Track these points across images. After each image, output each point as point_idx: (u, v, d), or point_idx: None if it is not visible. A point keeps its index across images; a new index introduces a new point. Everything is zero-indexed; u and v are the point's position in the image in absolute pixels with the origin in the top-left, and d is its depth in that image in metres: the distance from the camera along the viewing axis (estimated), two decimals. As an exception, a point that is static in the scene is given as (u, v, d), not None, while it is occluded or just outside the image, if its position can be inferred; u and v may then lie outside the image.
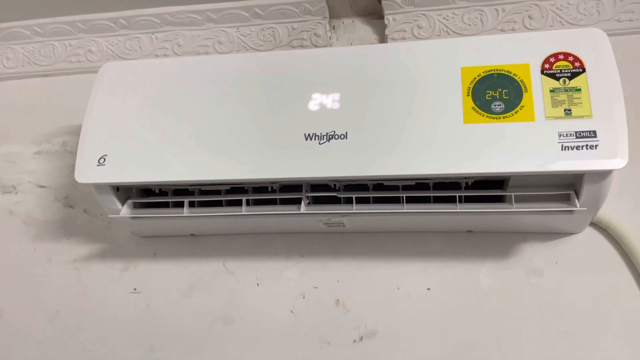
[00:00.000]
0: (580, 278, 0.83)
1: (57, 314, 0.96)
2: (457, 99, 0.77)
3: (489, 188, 0.81)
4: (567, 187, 0.78)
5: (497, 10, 1.00)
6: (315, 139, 0.79)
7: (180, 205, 0.87)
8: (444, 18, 1.02)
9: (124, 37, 1.14)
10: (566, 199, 0.77)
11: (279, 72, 0.84)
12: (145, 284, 0.96)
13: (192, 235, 0.98)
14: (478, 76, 0.78)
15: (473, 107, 0.76)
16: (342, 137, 0.78)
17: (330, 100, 0.80)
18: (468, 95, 0.77)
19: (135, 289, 0.96)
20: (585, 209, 0.75)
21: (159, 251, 0.98)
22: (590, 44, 0.77)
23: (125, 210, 0.87)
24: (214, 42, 1.10)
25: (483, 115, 0.76)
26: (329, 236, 0.93)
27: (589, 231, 0.85)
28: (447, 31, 1.02)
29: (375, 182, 0.83)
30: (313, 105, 0.81)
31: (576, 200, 0.76)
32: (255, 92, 0.83)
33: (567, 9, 0.98)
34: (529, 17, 0.99)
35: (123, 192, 0.89)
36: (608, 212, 0.83)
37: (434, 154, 0.75)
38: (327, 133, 0.79)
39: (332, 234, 0.93)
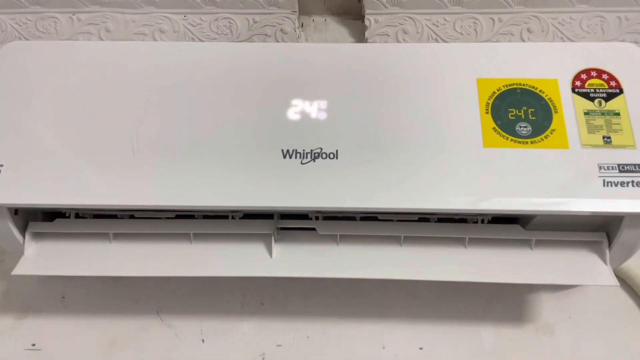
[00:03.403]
0: (597, 336, 0.71)
1: None
2: (474, 117, 0.62)
3: (503, 222, 0.67)
4: (596, 227, 0.65)
5: (493, 19, 0.87)
6: (296, 157, 0.61)
7: (103, 237, 0.66)
8: (434, 24, 0.88)
9: (36, 16, 0.91)
10: (595, 245, 0.64)
11: (249, 69, 0.65)
12: (49, 338, 0.72)
13: (115, 272, 0.75)
14: (498, 90, 0.64)
15: (494, 128, 0.62)
16: (332, 156, 0.61)
17: (316, 109, 0.63)
18: (487, 113, 0.63)
19: (34, 345, 0.72)
20: (618, 284, 0.62)
21: (70, 294, 0.75)
22: (625, 61, 0.65)
23: (31, 251, 0.64)
24: (154, 29, 0.89)
25: (507, 139, 0.61)
26: (297, 278, 0.73)
27: (605, 280, 0.73)
28: (435, 38, 0.88)
29: (365, 214, 0.66)
30: (294, 114, 0.63)
31: (607, 253, 0.64)
32: (217, 93, 0.64)
33: (569, 24, 0.87)
34: (528, 30, 0.87)
35: (23, 215, 0.66)
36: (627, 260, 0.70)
37: (448, 184, 0.59)
38: (312, 150, 0.61)
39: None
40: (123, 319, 0.73)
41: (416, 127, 0.62)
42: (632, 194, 0.58)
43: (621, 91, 0.63)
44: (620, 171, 0.59)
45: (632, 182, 0.59)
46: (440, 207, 0.60)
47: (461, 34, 0.88)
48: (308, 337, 0.72)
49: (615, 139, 0.61)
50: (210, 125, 0.62)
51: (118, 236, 0.66)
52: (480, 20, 0.88)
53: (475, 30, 0.88)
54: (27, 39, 0.90)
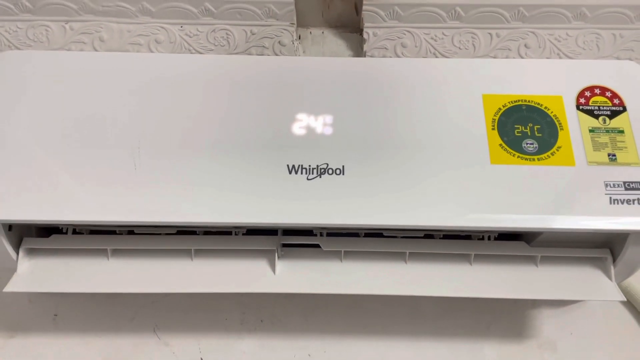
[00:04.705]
0: (600, 353, 0.71)
1: None
2: (481, 133, 0.62)
3: (508, 238, 0.67)
4: (600, 244, 0.65)
5: (491, 34, 0.88)
6: (302, 173, 0.59)
7: (100, 253, 0.63)
8: (432, 38, 0.88)
9: (27, 24, 0.88)
10: (599, 261, 0.64)
11: (254, 83, 0.64)
12: (40, 359, 0.70)
13: (110, 289, 0.73)
14: (503, 106, 0.64)
15: (500, 144, 0.61)
16: (338, 172, 0.60)
17: (322, 124, 0.62)
18: (493, 129, 0.62)
19: (24, 366, 0.69)
20: (625, 299, 0.63)
21: (62, 312, 0.72)
22: (628, 79, 0.66)
23: (24, 267, 0.62)
24: (150, 40, 0.87)
25: (513, 155, 0.61)
26: (297, 294, 0.73)
27: (605, 296, 0.73)
28: (434, 53, 0.88)
29: (370, 231, 0.65)
30: (299, 129, 0.61)
31: (612, 269, 0.64)
32: (220, 106, 0.63)
33: (565, 41, 0.88)
34: (525, 45, 0.88)
35: (17, 231, 0.63)
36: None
37: (455, 201, 0.59)
38: (318, 166, 0.60)
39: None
40: (118, 338, 0.71)
41: (423, 143, 0.61)
42: (638, 211, 0.58)
43: (624, 109, 0.64)
44: (626, 189, 0.59)
45: (638, 199, 0.59)
46: (446, 224, 0.59)
47: (459, 48, 0.88)
48: (309, 355, 0.70)
49: (620, 156, 0.61)
50: (214, 140, 0.61)
51: (116, 253, 0.64)
52: (479, 35, 0.88)
53: (474, 45, 0.88)
54: (17, 48, 0.87)
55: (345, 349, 0.70)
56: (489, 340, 0.71)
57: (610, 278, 0.63)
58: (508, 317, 0.72)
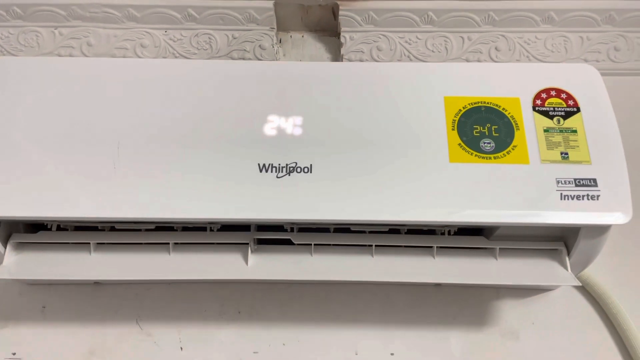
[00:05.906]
0: (559, 341, 0.75)
1: None
2: (441, 133, 0.66)
3: (469, 234, 0.70)
4: (555, 238, 0.68)
5: (462, 38, 0.91)
6: (272, 171, 0.63)
7: (84, 247, 0.67)
8: (406, 42, 0.91)
9: (18, 30, 0.92)
10: (555, 254, 0.68)
11: (227, 86, 0.68)
12: (30, 348, 0.73)
13: (95, 283, 0.77)
14: (464, 108, 0.67)
15: (459, 144, 0.65)
16: (306, 170, 0.63)
17: (291, 125, 0.66)
18: (453, 130, 0.66)
19: (14, 354, 0.73)
20: (580, 284, 0.66)
21: (50, 303, 0.76)
22: (583, 82, 0.69)
23: (10, 259, 0.65)
24: (135, 44, 0.91)
25: (471, 154, 0.65)
26: (274, 287, 0.77)
27: (566, 287, 0.77)
28: (408, 56, 0.91)
29: (338, 226, 0.69)
30: (270, 129, 0.65)
31: (567, 260, 0.67)
32: (196, 109, 0.67)
33: (534, 44, 0.91)
34: (496, 48, 0.91)
35: (5, 227, 0.67)
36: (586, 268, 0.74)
37: (416, 197, 0.63)
38: (287, 164, 0.63)
39: (277, 284, 0.77)
40: (103, 328, 0.74)
41: (387, 143, 0.65)
42: (588, 206, 0.62)
43: (578, 110, 0.67)
44: (576, 185, 0.63)
45: (587, 195, 0.62)
46: (410, 219, 0.63)
47: (432, 51, 0.92)
48: (284, 344, 0.74)
49: (572, 155, 0.65)
50: (189, 140, 0.64)
51: (99, 247, 0.68)
52: (451, 38, 0.91)
53: (446, 48, 0.92)
54: (9, 53, 0.91)
55: (318, 338, 0.74)
56: (455, 329, 0.75)
57: (565, 268, 0.67)
58: (473, 308, 0.76)
